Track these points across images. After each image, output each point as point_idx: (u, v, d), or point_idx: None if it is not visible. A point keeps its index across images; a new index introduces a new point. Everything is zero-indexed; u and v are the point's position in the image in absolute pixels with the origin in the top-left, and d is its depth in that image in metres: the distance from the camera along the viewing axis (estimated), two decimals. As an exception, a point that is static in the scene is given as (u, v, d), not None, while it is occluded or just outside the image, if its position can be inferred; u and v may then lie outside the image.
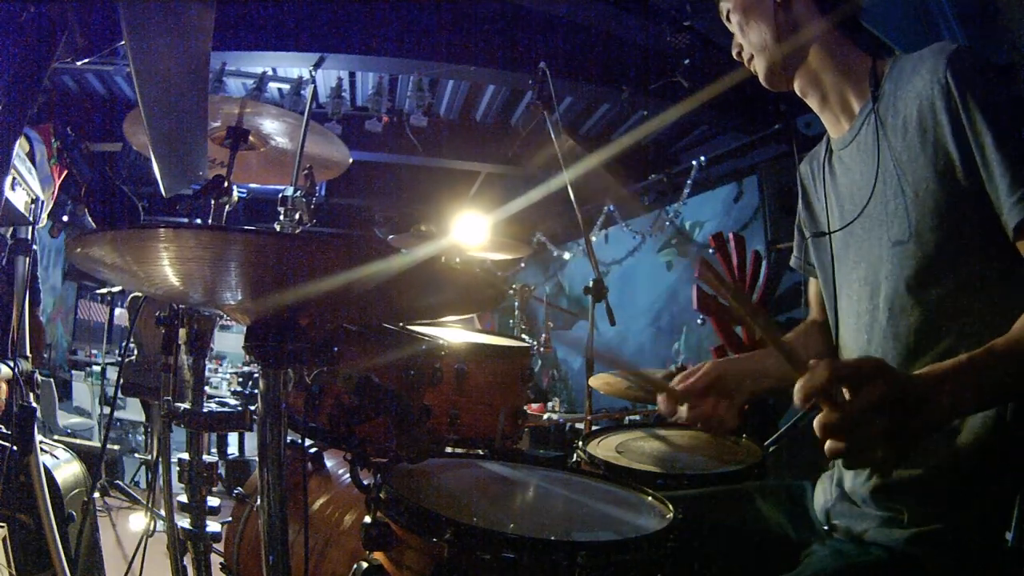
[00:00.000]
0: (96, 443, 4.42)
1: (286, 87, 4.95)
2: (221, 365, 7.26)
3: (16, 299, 1.95)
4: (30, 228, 2.02)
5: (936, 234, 0.95)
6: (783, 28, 1.11)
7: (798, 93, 1.17)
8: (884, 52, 1.12)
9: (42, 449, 1.79)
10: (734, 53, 1.20)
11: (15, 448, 1.62)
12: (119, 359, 5.23)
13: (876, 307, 1.04)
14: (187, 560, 1.62)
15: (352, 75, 5.15)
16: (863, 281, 1.07)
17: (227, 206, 1.62)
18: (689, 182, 4.93)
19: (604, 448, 1.62)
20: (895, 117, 1.00)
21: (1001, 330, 0.83)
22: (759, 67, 1.16)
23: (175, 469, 1.65)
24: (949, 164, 0.93)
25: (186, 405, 1.50)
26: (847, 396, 0.70)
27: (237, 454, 4.59)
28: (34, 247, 1.97)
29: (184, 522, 1.57)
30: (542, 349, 3.84)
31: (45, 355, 7.87)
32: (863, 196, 1.07)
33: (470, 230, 3.03)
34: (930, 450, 0.95)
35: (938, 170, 0.94)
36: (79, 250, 0.74)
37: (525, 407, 1.57)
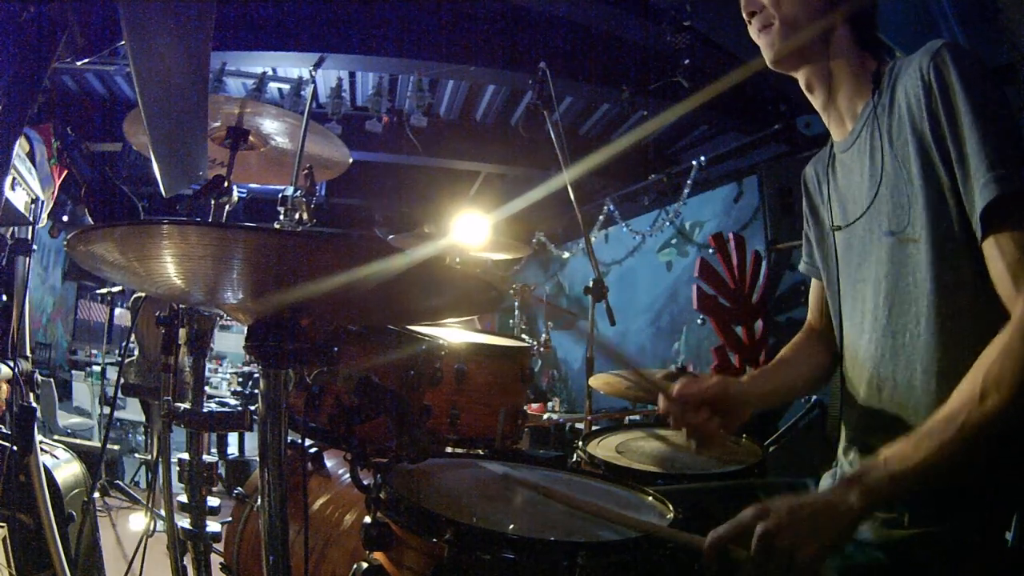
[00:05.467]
0: (96, 443, 4.42)
1: (286, 87, 4.95)
2: (221, 365, 7.27)
3: (16, 299, 1.95)
4: (30, 228, 2.02)
5: (930, 234, 0.95)
6: (820, 8, 1.06)
7: (803, 86, 1.15)
8: (886, 55, 1.11)
9: (42, 449, 1.79)
10: (745, 12, 1.12)
11: (15, 448, 1.62)
12: (119, 359, 5.23)
13: (878, 306, 1.04)
14: (187, 560, 1.62)
15: (352, 75, 5.16)
16: (865, 282, 1.07)
17: (227, 206, 1.62)
18: (689, 182, 4.93)
19: (604, 448, 1.62)
20: (891, 118, 1.01)
21: (995, 332, 0.83)
22: (776, 39, 1.08)
23: (175, 469, 1.65)
24: (932, 161, 0.94)
25: (186, 405, 1.50)
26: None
27: (237, 454, 4.58)
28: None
29: (184, 522, 1.57)
30: (542, 349, 3.84)
31: (44, 355, 7.87)
32: (863, 197, 1.07)
33: (470, 230, 3.02)
34: None
35: (925, 168, 0.95)
36: (81, 247, 0.74)
37: (525, 407, 1.57)
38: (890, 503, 0.89)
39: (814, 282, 1.34)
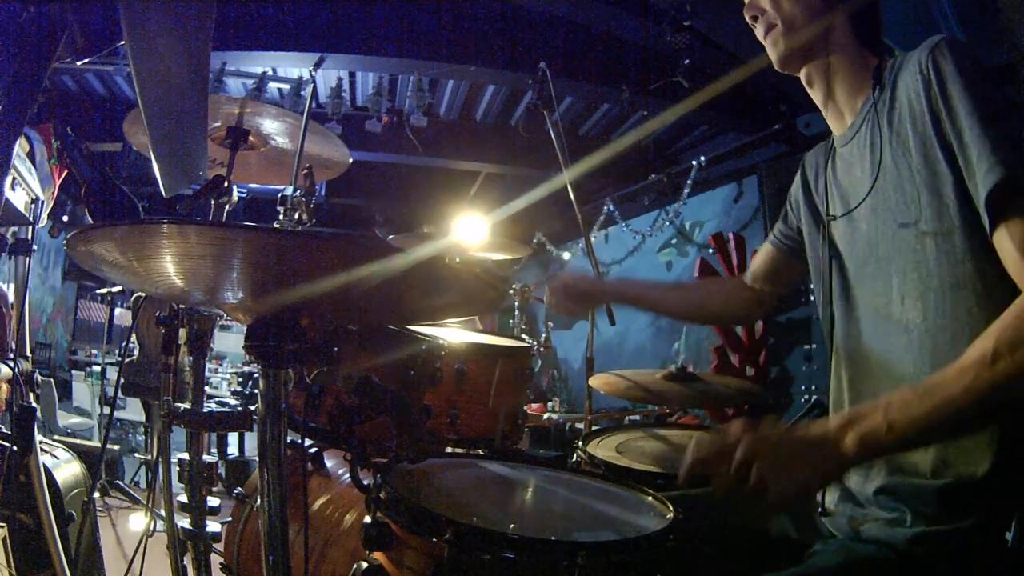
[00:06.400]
0: (96, 443, 4.42)
1: (286, 87, 4.95)
2: (221, 365, 7.26)
3: (16, 299, 1.95)
4: (30, 228, 2.02)
5: (936, 227, 0.95)
6: (820, 8, 1.08)
7: (803, 81, 1.16)
8: (887, 53, 1.12)
9: (42, 449, 1.79)
10: (748, 16, 1.14)
11: (15, 448, 1.62)
12: (119, 359, 5.23)
13: (890, 301, 1.03)
14: (187, 560, 1.62)
15: (352, 75, 5.16)
16: (873, 277, 1.07)
17: (227, 206, 1.62)
18: (689, 182, 4.93)
19: (604, 448, 1.62)
20: (892, 113, 1.02)
21: None
22: (780, 41, 1.11)
23: (175, 469, 1.65)
24: (935, 155, 0.94)
25: (186, 405, 1.50)
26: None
27: (237, 454, 4.58)
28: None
29: (184, 522, 1.57)
30: (542, 349, 3.84)
31: (44, 355, 7.87)
32: (863, 191, 1.07)
33: (470, 230, 3.03)
34: (931, 453, 0.95)
35: (927, 162, 0.95)
36: (81, 247, 0.74)
37: (525, 407, 1.57)
38: (879, 454, 0.89)
39: (768, 246, 1.42)
